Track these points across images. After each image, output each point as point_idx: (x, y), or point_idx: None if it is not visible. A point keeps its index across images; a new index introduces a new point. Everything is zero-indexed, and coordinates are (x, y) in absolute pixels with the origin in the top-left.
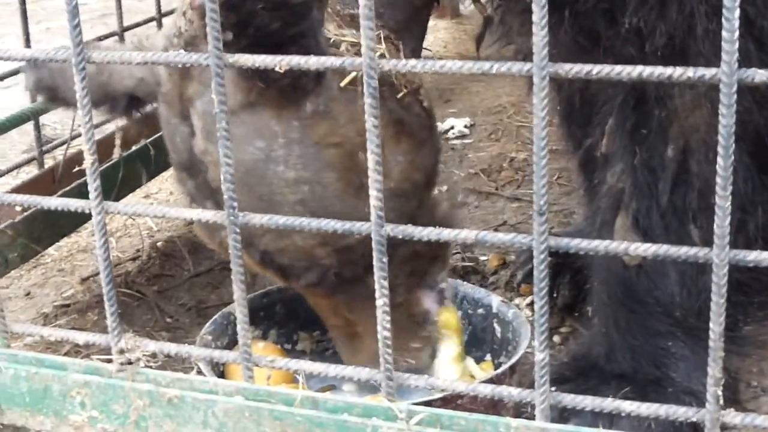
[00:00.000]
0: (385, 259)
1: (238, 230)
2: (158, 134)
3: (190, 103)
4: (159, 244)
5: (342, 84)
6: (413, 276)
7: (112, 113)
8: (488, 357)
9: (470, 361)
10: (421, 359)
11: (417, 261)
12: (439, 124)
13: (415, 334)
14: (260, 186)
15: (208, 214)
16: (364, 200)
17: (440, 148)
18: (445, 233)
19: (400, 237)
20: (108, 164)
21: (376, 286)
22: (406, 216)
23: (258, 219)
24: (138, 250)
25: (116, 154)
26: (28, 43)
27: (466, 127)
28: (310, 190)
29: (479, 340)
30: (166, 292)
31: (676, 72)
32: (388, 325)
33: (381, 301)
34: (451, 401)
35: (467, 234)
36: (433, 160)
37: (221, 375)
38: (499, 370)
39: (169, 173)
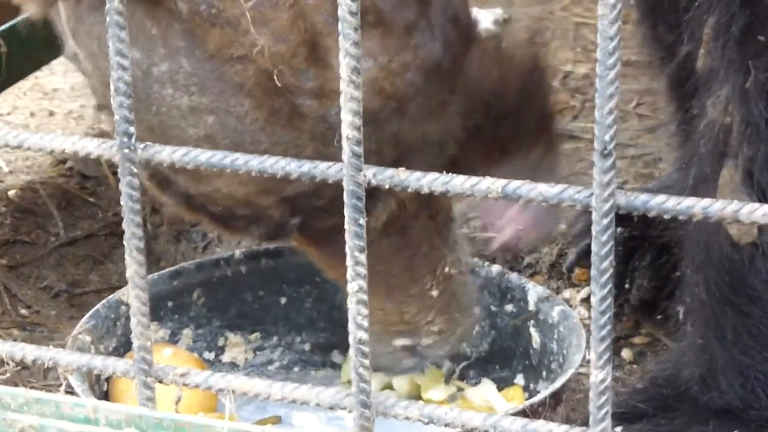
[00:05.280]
0: (362, 221)
1: (135, 169)
2: (13, 19)
3: None
4: (11, 193)
5: None
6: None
7: None
8: (519, 378)
9: (488, 385)
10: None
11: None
12: None
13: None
14: (147, 115)
15: (91, 145)
16: (306, 129)
17: (463, 30)
18: (455, 182)
19: (387, 186)
20: None
21: (348, 261)
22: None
23: (167, 153)
24: None
25: None
26: None
27: (496, 23)
28: (217, 123)
29: (506, 353)
30: (21, 268)
31: None
32: (366, 322)
33: (355, 285)
34: None
35: (489, 185)
36: (438, 54)
37: (104, 396)
38: (536, 398)
39: (31, 84)
